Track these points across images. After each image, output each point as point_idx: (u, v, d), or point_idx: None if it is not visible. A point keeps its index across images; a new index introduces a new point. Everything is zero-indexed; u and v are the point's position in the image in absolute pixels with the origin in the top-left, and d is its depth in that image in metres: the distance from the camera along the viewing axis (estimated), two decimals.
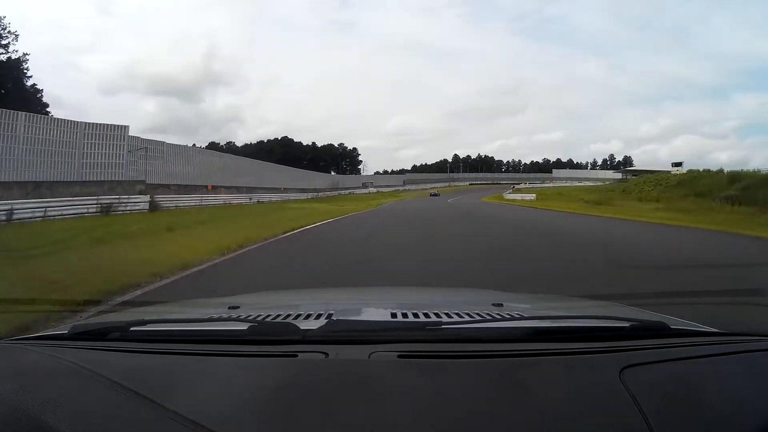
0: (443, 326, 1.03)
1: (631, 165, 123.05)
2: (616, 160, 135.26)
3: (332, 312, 1.19)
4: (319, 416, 0.70)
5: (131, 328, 1.05)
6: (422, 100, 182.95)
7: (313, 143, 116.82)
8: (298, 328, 0.97)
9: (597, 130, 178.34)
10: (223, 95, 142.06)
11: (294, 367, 0.86)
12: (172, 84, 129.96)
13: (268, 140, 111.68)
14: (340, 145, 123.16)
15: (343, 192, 67.17)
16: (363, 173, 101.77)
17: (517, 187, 75.78)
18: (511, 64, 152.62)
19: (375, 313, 1.42)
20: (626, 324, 1.02)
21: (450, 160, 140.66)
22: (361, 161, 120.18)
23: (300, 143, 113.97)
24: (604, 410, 0.73)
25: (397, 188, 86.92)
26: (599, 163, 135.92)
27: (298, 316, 1.18)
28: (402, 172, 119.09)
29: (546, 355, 0.89)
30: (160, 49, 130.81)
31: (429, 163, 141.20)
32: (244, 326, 0.99)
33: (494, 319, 1.08)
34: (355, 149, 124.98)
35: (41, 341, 1.04)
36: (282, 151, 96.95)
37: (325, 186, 62.63)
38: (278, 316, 1.19)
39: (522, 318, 1.12)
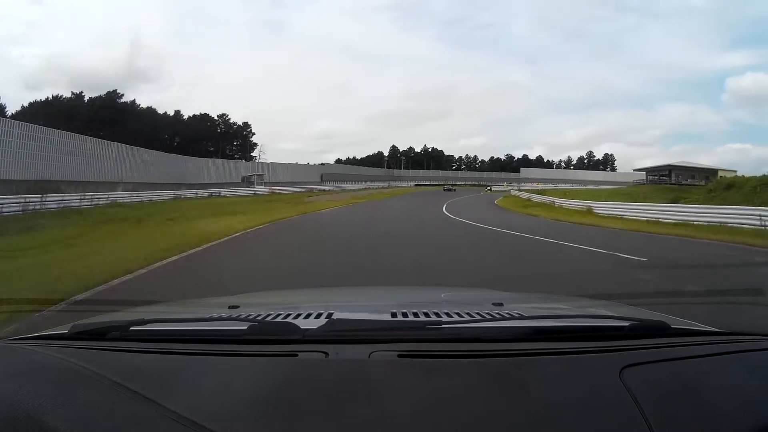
0: (443, 326, 1.02)
1: (613, 165, 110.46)
2: (595, 158, 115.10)
3: (332, 311, 1.18)
4: (320, 416, 0.70)
5: (131, 328, 1.04)
6: (351, 102, 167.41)
7: (177, 112, 68.68)
8: (298, 327, 0.96)
9: (522, 136, 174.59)
10: (147, 93, 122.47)
11: (294, 367, 0.86)
12: (93, 79, 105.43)
13: (75, 95, 58.62)
14: (222, 117, 73.69)
15: (193, 193, 32.90)
16: (260, 162, 57.33)
17: (494, 188, 60.71)
18: (443, 68, 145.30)
19: (375, 312, 1.39)
20: (626, 323, 1.02)
21: (387, 153, 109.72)
22: (256, 144, 76.52)
23: (151, 110, 63.11)
24: (604, 410, 0.73)
25: (310, 187, 50.88)
26: (574, 161, 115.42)
27: (298, 315, 1.17)
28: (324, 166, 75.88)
29: (546, 355, 0.89)
30: (81, 44, 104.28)
31: (359, 156, 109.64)
32: (244, 326, 0.98)
33: (494, 319, 1.08)
34: (246, 125, 76.15)
35: (41, 341, 1.03)
36: (103, 120, 50.96)
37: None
38: (278, 315, 1.18)
39: (522, 318, 1.12)
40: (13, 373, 0.87)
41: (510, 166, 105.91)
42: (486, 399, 0.75)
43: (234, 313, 1.27)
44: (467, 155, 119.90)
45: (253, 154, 72.56)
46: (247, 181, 43.25)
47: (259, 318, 1.12)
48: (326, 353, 0.87)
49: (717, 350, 0.94)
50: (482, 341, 0.94)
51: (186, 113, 70.62)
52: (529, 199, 33.71)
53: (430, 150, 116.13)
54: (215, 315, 1.24)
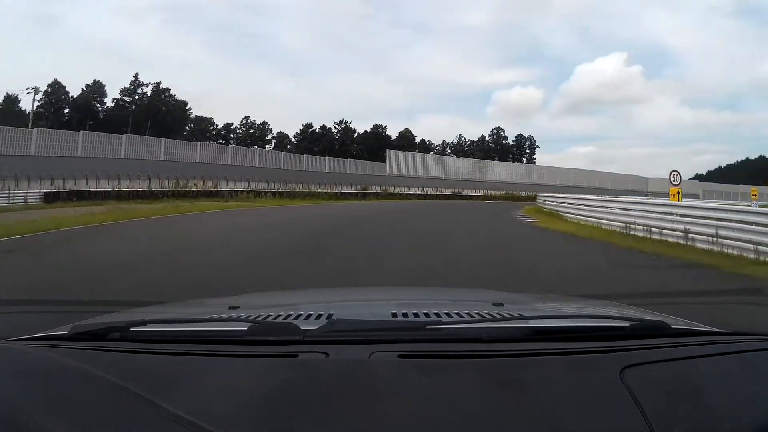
0: (444, 326, 1.03)
1: (532, 154, 74.73)
2: (506, 142, 74.46)
3: (332, 312, 1.18)
4: (320, 416, 0.70)
5: (131, 329, 1.03)
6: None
7: None
8: (299, 328, 0.96)
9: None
10: None
11: (294, 368, 0.86)
12: None
13: None
14: None
15: None
16: None
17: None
18: (208, 75, 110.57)
19: (375, 312, 1.39)
20: (626, 324, 1.03)
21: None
22: None
23: None
24: (604, 410, 0.73)
25: None
26: (466, 144, 74.02)
27: (299, 316, 1.18)
28: None
29: (546, 355, 0.89)
30: None
31: None
32: (244, 326, 0.98)
33: (495, 319, 1.09)
34: None
35: (41, 341, 1.03)
36: None
37: None
38: (278, 316, 1.19)
39: (522, 318, 1.13)
40: (14, 374, 0.86)
41: (350, 148, 57.50)
42: (486, 399, 0.75)
43: (234, 313, 1.26)
44: (228, 124, 60.50)
45: None
46: None
47: (260, 318, 1.13)
48: (326, 354, 0.86)
49: (717, 350, 0.94)
50: (483, 341, 0.93)
51: None
52: None
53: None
54: (215, 316, 1.24)
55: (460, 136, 76.16)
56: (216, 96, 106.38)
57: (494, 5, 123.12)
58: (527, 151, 76.75)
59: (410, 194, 36.91)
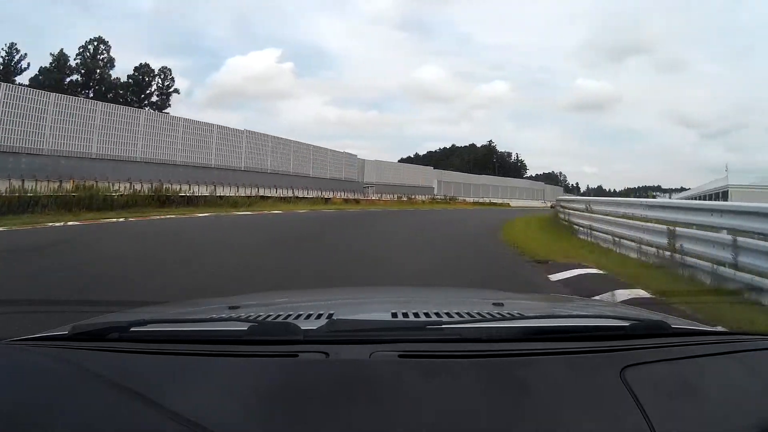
0: (444, 326, 1.03)
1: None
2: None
3: (332, 312, 1.18)
4: (320, 416, 0.70)
5: (131, 329, 1.03)
6: None
7: None
8: (299, 328, 0.96)
9: None
10: None
11: (294, 367, 0.86)
12: None
13: None
14: None
15: None
16: None
17: None
18: None
19: (375, 312, 1.39)
20: (627, 323, 1.03)
21: None
22: None
23: None
24: (604, 410, 0.74)
25: None
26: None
27: (299, 316, 1.17)
28: None
29: (547, 355, 0.89)
30: None
31: None
32: (244, 326, 0.98)
33: (495, 319, 1.09)
34: None
35: (41, 341, 1.02)
36: None
37: None
38: (278, 316, 1.19)
39: (523, 317, 1.12)
40: (14, 374, 0.86)
41: None
42: (487, 399, 0.75)
43: (234, 313, 1.25)
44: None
45: None
46: None
47: (260, 318, 1.12)
48: (327, 353, 0.86)
49: (717, 350, 0.94)
50: (483, 341, 0.93)
51: None
52: None
53: None
54: (215, 316, 1.24)
55: (12, 45, 36.89)
56: None
57: None
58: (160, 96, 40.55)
59: None
